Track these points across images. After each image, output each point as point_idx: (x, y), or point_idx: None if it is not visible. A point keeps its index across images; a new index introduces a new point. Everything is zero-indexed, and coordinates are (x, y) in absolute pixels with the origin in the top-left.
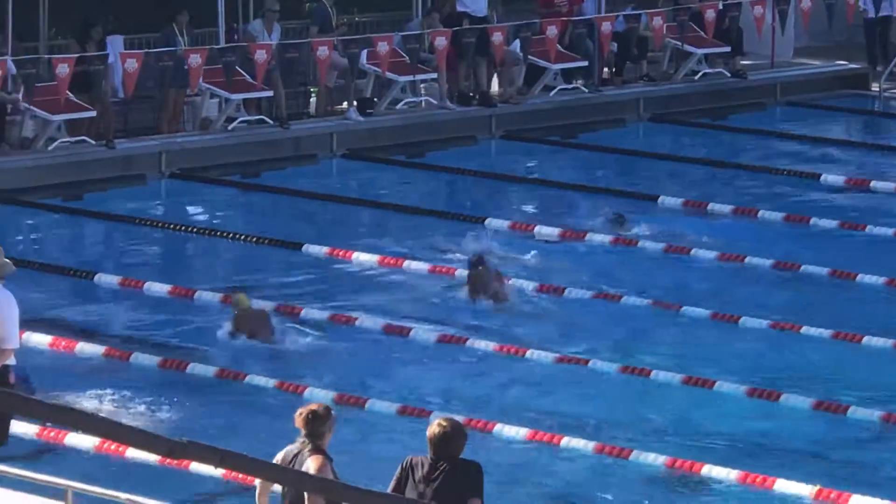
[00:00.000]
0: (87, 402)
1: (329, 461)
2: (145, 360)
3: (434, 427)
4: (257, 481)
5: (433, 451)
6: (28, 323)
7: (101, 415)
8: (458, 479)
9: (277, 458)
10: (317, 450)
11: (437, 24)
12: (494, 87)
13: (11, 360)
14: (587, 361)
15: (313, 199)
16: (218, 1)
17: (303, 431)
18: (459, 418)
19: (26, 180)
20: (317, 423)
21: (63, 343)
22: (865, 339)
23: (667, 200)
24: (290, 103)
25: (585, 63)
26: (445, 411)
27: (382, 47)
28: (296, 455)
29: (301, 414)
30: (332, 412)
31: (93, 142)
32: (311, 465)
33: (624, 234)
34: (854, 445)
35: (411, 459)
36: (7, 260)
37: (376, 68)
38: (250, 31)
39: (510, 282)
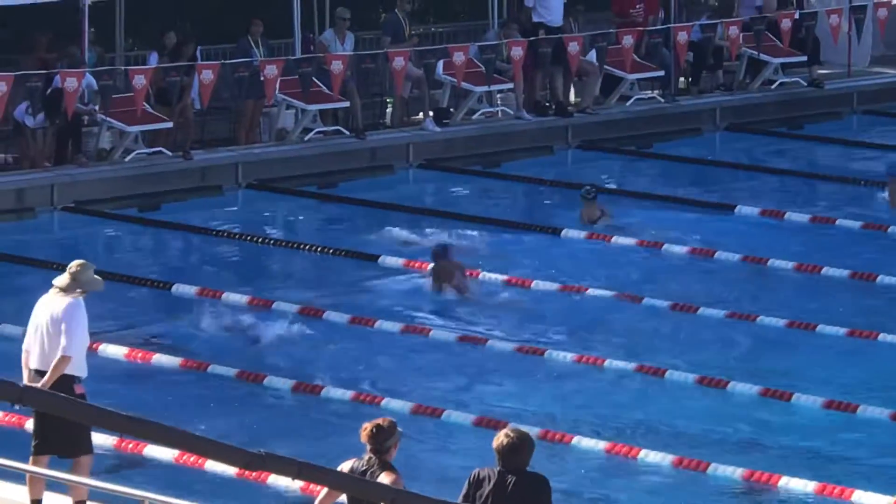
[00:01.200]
0: (165, 413)
1: (400, 476)
2: (222, 371)
3: (501, 437)
4: (321, 494)
5: (500, 462)
6: (105, 334)
7: (179, 427)
8: (525, 494)
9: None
10: (387, 465)
11: (513, 34)
12: (571, 97)
13: (82, 373)
14: (664, 372)
15: (390, 210)
16: (293, 11)
17: (368, 447)
18: (536, 430)
19: (104, 191)
20: (381, 438)
21: (140, 354)
22: None
23: (744, 210)
24: (366, 114)
25: (661, 73)
26: (521, 422)
27: (458, 57)
28: (364, 471)
29: (366, 429)
30: (398, 426)
31: (169, 153)
32: (385, 480)
33: (593, 210)
34: None
35: (478, 472)
36: (97, 277)
37: (452, 78)
38: (322, 40)
39: (473, 275)
